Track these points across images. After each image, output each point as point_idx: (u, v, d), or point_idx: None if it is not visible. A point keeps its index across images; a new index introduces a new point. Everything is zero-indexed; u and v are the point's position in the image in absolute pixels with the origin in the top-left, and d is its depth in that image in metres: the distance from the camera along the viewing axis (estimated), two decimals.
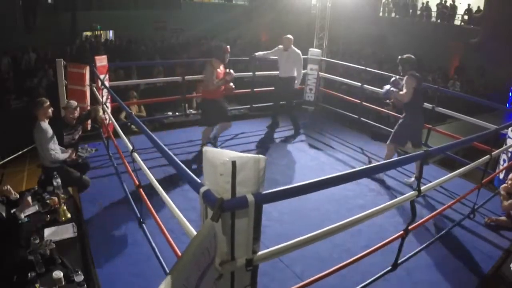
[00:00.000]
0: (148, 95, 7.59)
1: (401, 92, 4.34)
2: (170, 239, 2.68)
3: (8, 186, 3.22)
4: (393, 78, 4.61)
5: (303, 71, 7.13)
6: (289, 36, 5.85)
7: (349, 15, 13.10)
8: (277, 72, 6.04)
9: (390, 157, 4.56)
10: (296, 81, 5.96)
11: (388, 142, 4.63)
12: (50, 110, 3.85)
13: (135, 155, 3.12)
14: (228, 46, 4.89)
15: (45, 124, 3.76)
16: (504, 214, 3.93)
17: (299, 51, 5.87)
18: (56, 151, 3.85)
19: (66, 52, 11.13)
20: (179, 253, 2.50)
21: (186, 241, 1.64)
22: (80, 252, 2.80)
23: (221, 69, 4.86)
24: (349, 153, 5.59)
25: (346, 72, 9.91)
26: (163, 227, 2.81)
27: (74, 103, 4.32)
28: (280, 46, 5.85)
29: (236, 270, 1.74)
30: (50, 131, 3.78)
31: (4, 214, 2.93)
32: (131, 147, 3.22)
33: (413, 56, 4.39)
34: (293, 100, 6.26)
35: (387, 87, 4.53)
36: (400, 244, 2.77)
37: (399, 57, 4.48)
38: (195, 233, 2.03)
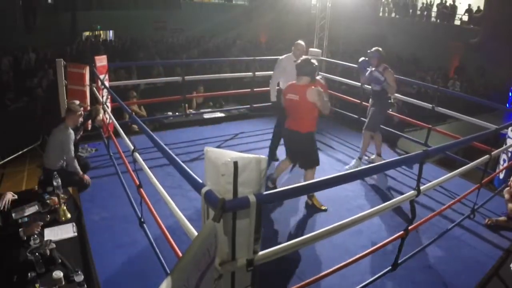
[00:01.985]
0: (148, 95, 7.60)
1: (392, 86, 4.67)
2: (170, 239, 2.68)
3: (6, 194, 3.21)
4: (361, 59, 4.90)
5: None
6: (301, 42, 4.92)
7: (349, 15, 13.13)
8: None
9: (368, 144, 4.97)
10: None
11: (364, 129, 4.90)
12: (80, 120, 4.09)
13: (136, 155, 3.12)
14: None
15: (70, 129, 3.94)
16: (504, 214, 3.94)
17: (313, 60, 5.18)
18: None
19: (66, 52, 11.13)
20: (179, 253, 2.50)
21: (186, 241, 1.66)
22: (80, 252, 2.80)
23: None
24: (349, 153, 5.59)
25: (346, 72, 9.91)
26: (163, 227, 2.81)
27: (76, 102, 4.39)
28: (283, 57, 4.83)
29: (236, 270, 1.74)
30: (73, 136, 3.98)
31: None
32: (132, 147, 3.22)
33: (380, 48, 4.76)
34: None
35: (372, 73, 4.68)
36: (400, 244, 2.77)
37: (368, 51, 4.74)
38: (195, 233, 2.03)
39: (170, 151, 2.27)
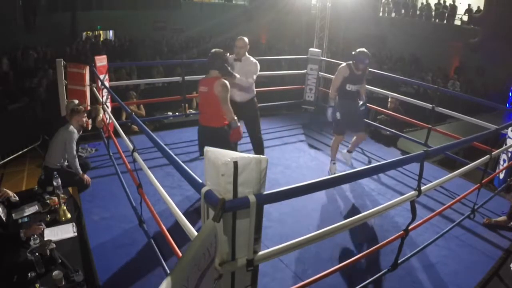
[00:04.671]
0: (148, 95, 7.60)
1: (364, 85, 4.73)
2: (170, 239, 2.68)
3: (5, 189, 3.22)
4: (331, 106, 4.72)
5: (303, 71, 7.16)
6: (243, 38, 4.35)
7: (349, 15, 13.11)
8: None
9: (337, 147, 4.84)
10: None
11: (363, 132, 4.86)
12: (84, 120, 4.18)
13: (136, 155, 3.12)
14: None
15: (75, 129, 4.03)
16: (504, 214, 3.93)
17: (255, 60, 4.34)
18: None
19: (66, 52, 11.12)
20: (179, 253, 2.50)
21: (186, 241, 1.67)
22: (80, 252, 2.80)
23: None
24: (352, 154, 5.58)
25: None
26: (163, 227, 2.81)
27: (75, 101, 4.41)
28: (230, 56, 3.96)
29: (236, 270, 1.74)
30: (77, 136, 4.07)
31: (4, 218, 2.93)
32: (131, 147, 3.22)
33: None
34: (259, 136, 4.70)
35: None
36: (400, 244, 2.77)
37: (354, 52, 4.78)
38: (195, 233, 2.03)
39: (170, 151, 2.27)
